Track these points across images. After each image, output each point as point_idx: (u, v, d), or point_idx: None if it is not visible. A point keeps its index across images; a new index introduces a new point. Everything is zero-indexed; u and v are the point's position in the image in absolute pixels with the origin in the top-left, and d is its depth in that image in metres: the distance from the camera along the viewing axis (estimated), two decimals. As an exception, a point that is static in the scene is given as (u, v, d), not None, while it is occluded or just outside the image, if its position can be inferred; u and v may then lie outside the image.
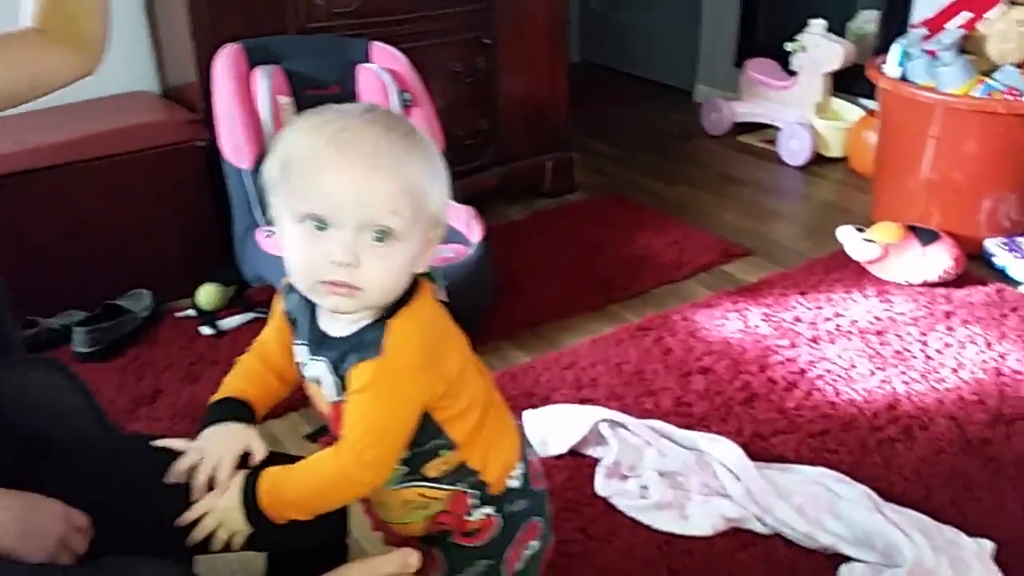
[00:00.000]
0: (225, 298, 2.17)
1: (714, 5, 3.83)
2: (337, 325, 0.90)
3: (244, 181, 2.08)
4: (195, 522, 0.91)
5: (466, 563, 1.02)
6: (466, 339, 0.97)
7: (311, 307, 0.92)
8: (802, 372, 1.95)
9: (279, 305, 0.98)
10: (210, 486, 0.92)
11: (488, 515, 1.00)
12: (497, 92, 2.70)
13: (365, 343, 0.87)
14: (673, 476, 1.63)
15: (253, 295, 2.22)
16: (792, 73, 3.25)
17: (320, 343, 0.91)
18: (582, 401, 1.84)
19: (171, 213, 2.23)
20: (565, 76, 2.86)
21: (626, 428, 1.72)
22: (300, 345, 0.94)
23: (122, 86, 2.39)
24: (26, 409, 1.03)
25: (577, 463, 1.68)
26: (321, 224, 0.83)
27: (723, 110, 3.49)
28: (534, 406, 1.82)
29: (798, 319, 2.16)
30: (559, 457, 1.69)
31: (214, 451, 0.93)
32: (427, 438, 0.93)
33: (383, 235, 0.83)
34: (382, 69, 2.19)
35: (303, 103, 2.10)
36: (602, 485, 1.61)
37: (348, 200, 0.82)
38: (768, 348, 2.05)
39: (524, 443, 1.06)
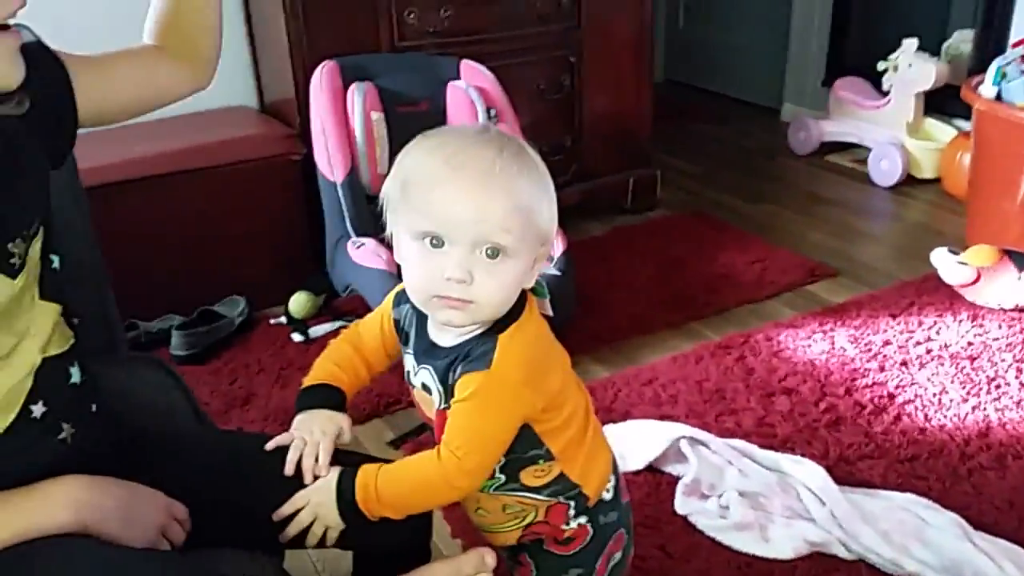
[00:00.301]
0: (315, 307, 2.25)
1: (803, 23, 3.78)
2: (446, 336, 0.93)
3: (336, 194, 2.15)
4: (291, 516, 0.95)
5: (558, 571, 1.04)
6: (567, 354, 0.99)
7: (421, 318, 0.96)
8: (891, 396, 1.91)
9: (387, 312, 1.02)
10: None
11: (582, 524, 1.02)
12: (581, 109, 2.72)
13: (474, 355, 0.90)
14: (755, 497, 1.61)
15: (342, 304, 2.29)
16: (883, 93, 3.19)
17: (428, 352, 0.94)
18: (661, 418, 1.83)
19: (267, 224, 2.32)
20: (649, 94, 2.87)
21: (706, 446, 1.71)
22: (408, 354, 0.98)
23: (223, 101, 2.49)
24: (132, 405, 1.09)
25: (656, 479, 1.68)
26: (437, 241, 0.86)
27: (811, 129, 3.44)
28: (613, 421, 1.82)
29: (887, 342, 2.12)
30: (637, 473, 1.69)
31: (313, 434, 0.97)
32: (526, 447, 0.95)
33: (495, 252, 0.86)
34: (470, 86, 2.24)
35: (394, 119, 2.17)
36: (681, 503, 1.61)
37: (462, 219, 0.85)
38: (855, 371, 2.01)
39: (614, 457, 1.07)
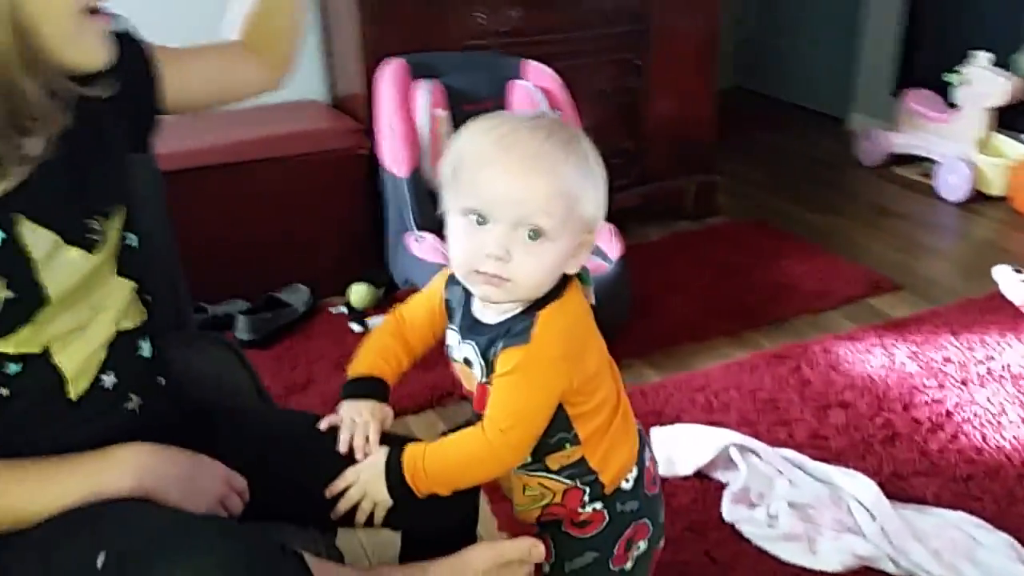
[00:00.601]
0: (375, 298, 2.29)
1: (874, 34, 3.72)
2: (489, 313, 0.97)
3: (400, 188, 2.19)
4: (341, 494, 0.98)
5: (575, 552, 1.06)
6: (603, 341, 1.01)
7: (468, 296, 0.99)
8: (948, 414, 1.88)
9: (439, 291, 1.05)
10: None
11: (597, 510, 1.04)
12: (644, 113, 2.72)
13: (514, 331, 0.93)
14: (804, 508, 1.60)
15: (400, 297, 2.33)
16: (953, 106, 3.12)
17: (472, 329, 0.98)
18: (712, 424, 1.83)
19: (332, 216, 2.37)
20: (714, 100, 2.86)
21: (757, 455, 1.70)
22: (452, 330, 1.01)
23: (294, 94, 2.56)
24: (198, 380, 1.14)
25: (704, 486, 1.68)
26: (481, 219, 0.89)
27: (879, 140, 3.38)
28: (662, 425, 1.82)
29: (948, 359, 2.08)
30: (685, 478, 1.69)
31: (362, 415, 1.01)
32: (555, 431, 0.98)
33: (535, 234, 0.89)
34: (534, 86, 2.26)
35: (458, 116, 2.20)
36: (729, 510, 1.60)
37: (505, 198, 0.88)
38: (914, 387, 1.98)
39: (643, 449, 1.09)
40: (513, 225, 0.89)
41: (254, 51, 1.11)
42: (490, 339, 0.95)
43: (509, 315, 0.95)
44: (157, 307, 1.01)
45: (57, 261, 0.86)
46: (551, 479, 1.02)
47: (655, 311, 2.32)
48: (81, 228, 0.88)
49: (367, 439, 0.99)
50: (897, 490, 1.65)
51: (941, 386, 1.98)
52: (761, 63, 4.40)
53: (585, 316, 0.97)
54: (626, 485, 1.05)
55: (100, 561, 0.77)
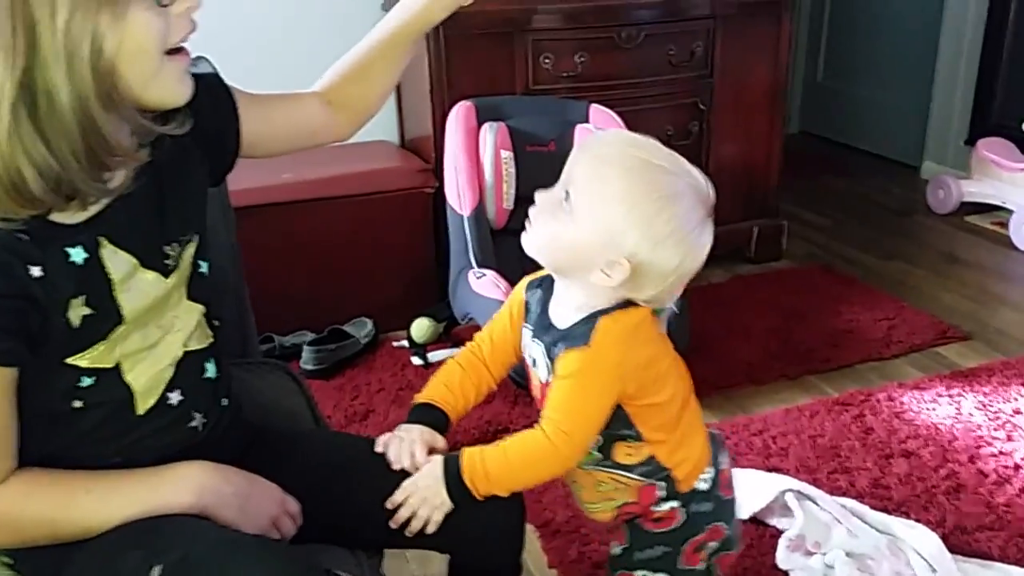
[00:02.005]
0: (436, 333, 2.34)
1: (947, 81, 3.67)
2: (562, 316, 1.02)
3: (463, 226, 2.24)
4: (398, 507, 1.00)
5: (646, 544, 1.10)
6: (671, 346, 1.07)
7: (546, 299, 1.05)
8: (1016, 467, 1.82)
9: (520, 295, 1.10)
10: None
11: (673, 508, 1.07)
12: (708, 156, 2.73)
13: (576, 334, 0.98)
14: (862, 559, 1.56)
15: (460, 332, 2.37)
16: (1030, 154, 3.06)
17: (545, 329, 1.03)
18: (770, 470, 1.81)
19: (397, 251, 2.44)
20: (780, 144, 2.85)
21: (814, 502, 1.67)
22: (527, 328, 1.07)
23: (368, 135, 2.62)
24: (258, 404, 1.18)
25: (760, 531, 1.66)
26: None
27: (951, 188, 3.32)
28: (720, 468, 1.81)
29: (1017, 411, 2.02)
30: (741, 523, 1.67)
31: (411, 433, 1.05)
32: (617, 427, 1.02)
33: (567, 202, 0.96)
34: (598, 129, 2.30)
35: (522, 158, 2.25)
36: (784, 558, 1.57)
37: (572, 163, 0.98)
38: (981, 438, 1.92)
39: (717, 450, 1.12)
40: (563, 185, 0.97)
41: (337, 106, 1.14)
42: (555, 340, 1.00)
43: (577, 319, 1.00)
44: (224, 333, 1.05)
45: (134, 283, 0.90)
46: (625, 476, 1.06)
47: (715, 353, 2.31)
48: (158, 254, 0.93)
49: (411, 453, 1.02)
50: (961, 544, 1.60)
51: (1009, 438, 1.92)
52: (830, 108, 4.37)
53: (648, 328, 1.02)
54: (702, 486, 1.08)
55: (156, 573, 0.80)
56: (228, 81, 1.07)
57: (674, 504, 1.07)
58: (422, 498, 1.00)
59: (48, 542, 0.87)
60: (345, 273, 2.40)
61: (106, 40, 0.77)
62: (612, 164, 0.96)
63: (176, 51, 0.85)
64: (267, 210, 2.24)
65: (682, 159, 1.00)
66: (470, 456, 1.00)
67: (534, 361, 1.04)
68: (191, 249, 0.98)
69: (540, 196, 1.00)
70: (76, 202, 0.83)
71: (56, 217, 0.84)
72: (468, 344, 1.14)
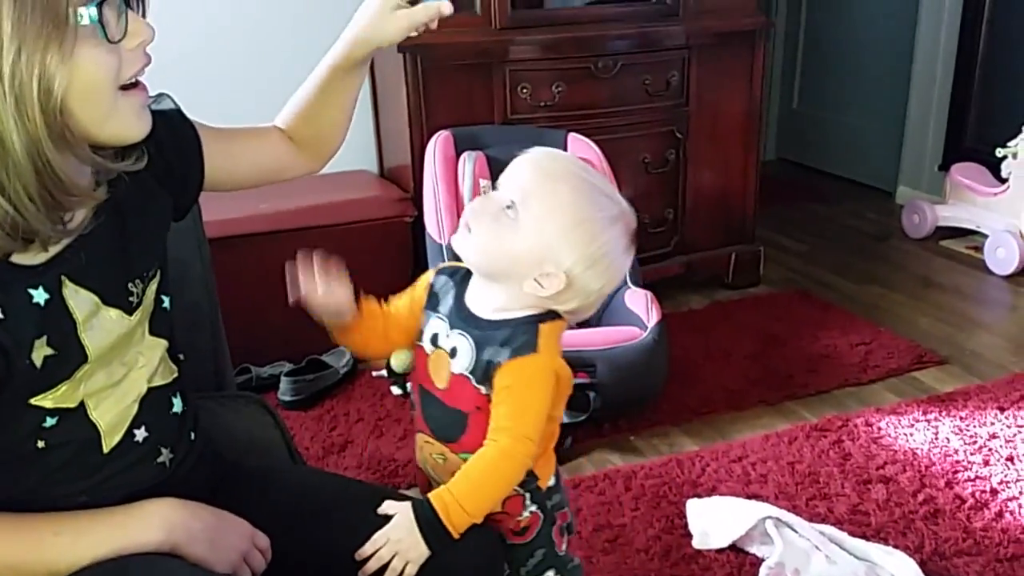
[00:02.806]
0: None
1: (920, 107, 3.73)
2: (483, 308, 1.04)
3: (442, 254, 2.24)
4: (370, 557, 0.98)
5: (525, 557, 1.11)
6: None
7: (461, 288, 1.06)
8: (994, 492, 1.83)
9: (426, 279, 1.11)
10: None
11: (533, 512, 1.09)
12: (685, 183, 2.76)
13: (518, 340, 1.00)
14: (841, 585, 1.56)
15: (439, 361, 2.36)
16: (1002, 180, 3.10)
17: (466, 320, 1.04)
18: (749, 496, 1.81)
19: (376, 280, 2.38)
20: (756, 171, 2.88)
21: (793, 529, 1.67)
22: (437, 318, 1.06)
23: (346, 164, 2.65)
24: (231, 437, 1.17)
25: (739, 559, 1.66)
26: (494, 188, 1.04)
27: (926, 213, 3.36)
28: (699, 495, 1.81)
29: (994, 435, 2.03)
30: (720, 551, 1.67)
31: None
32: None
33: (505, 211, 0.99)
34: (576, 158, 2.31)
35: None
36: (764, 585, 1.58)
37: (512, 172, 1.02)
38: (958, 463, 1.93)
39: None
40: (504, 194, 1.00)
41: (299, 144, 1.15)
42: (488, 336, 1.01)
43: (506, 316, 1.02)
44: (197, 366, 1.05)
45: (97, 321, 0.89)
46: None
47: (694, 379, 2.32)
48: (122, 291, 0.92)
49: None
50: (939, 569, 1.61)
51: (986, 463, 1.93)
52: (805, 135, 4.43)
53: (561, 339, 1.05)
54: (552, 481, 1.11)
55: None
56: (192, 117, 1.06)
57: (534, 508, 1.09)
58: (394, 550, 0.98)
59: None
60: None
61: (55, 80, 0.75)
62: (562, 180, 0.99)
63: (132, 86, 0.83)
64: (244, 240, 2.23)
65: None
66: (439, 497, 0.98)
67: (453, 351, 1.03)
68: (154, 285, 0.98)
69: (480, 202, 1.03)
70: (36, 244, 0.82)
71: (17, 259, 0.82)
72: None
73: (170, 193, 1.02)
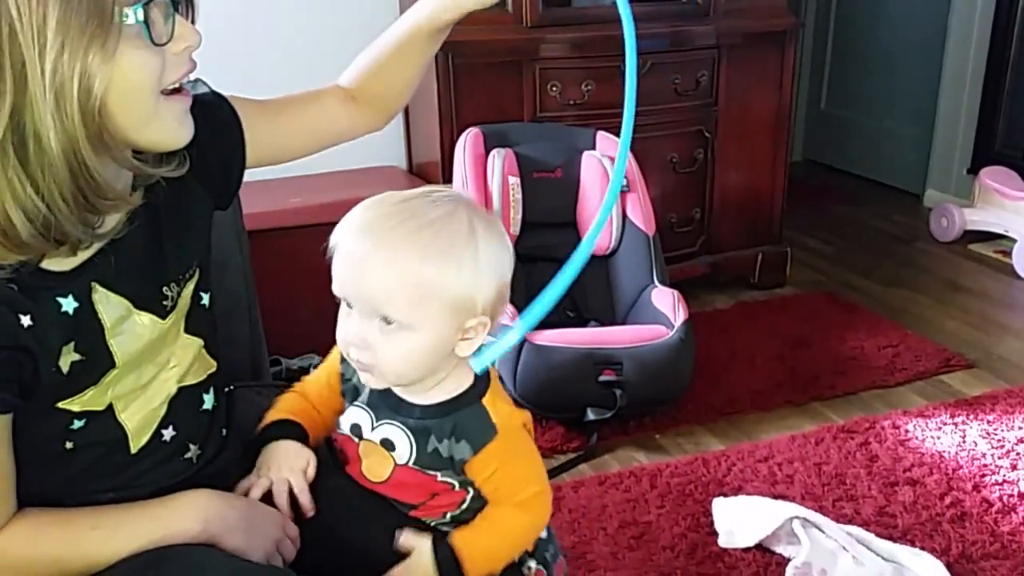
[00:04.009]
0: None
1: (950, 110, 3.70)
2: (414, 395, 0.95)
3: (470, 251, 2.26)
4: None
5: None
6: None
7: None
8: (1021, 496, 1.82)
9: (335, 366, 1.02)
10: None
11: (537, 569, 1.04)
12: (713, 184, 2.76)
13: (475, 432, 0.93)
14: (867, 586, 1.56)
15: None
16: (1033, 183, 3.08)
17: (395, 408, 0.95)
18: (775, 497, 1.81)
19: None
20: (784, 173, 2.88)
21: (820, 529, 1.67)
22: (359, 409, 0.97)
23: (375, 160, 2.68)
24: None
25: (765, 559, 1.66)
26: (347, 304, 0.90)
27: (954, 216, 3.34)
28: (724, 495, 1.81)
29: (1022, 440, 2.02)
30: (747, 550, 1.68)
31: (281, 472, 0.97)
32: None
33: (387, 321, 0.87)
34: (604, 156, 2.32)
35: (528, 184, 2.27)
36: (790, 585, 1.58)
37: (351, 288, 0.88)
38: (986, 467, 1.93)
39: None
40: (368, 313, 0.87)
41: (363, 102, 1.11)
42: (426, 426, 0.93)
43: (442, 398, 0.94)
44: (235, 355, 1.03)
45: (127, 326, 0.88)
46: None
47: (720, 379, 2.32)
48: (156, 295, 0.90)
49: (293, 494, 0.97)
50: (966, 572, 1.60)
51: (1014, 467, 1.92)
52: (833, 137, 4.40)
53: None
54: (544, 534, 1.06)
55: None
56: (237, 93, 1.02)
57: (533, 564, 1.04)
58: None
59: None
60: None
61: (96, 80, 0.73)
62: (392, 246, 0.85)
63: (175, 91, 0.82)
64: (275, 234, 2.25)
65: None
66: (463, 542, 0.94)
67: (386, 442, 0.95)
68: (191, 285, 0.96)
69: (357, 340, 0.89)
70: (66, 248, 0.80)
71: (47, 264, 0.81)
72: (291, 389, 1.07)
73: (211, 191, 1.00)
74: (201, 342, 0.97)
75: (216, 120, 0.99)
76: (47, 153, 0.73)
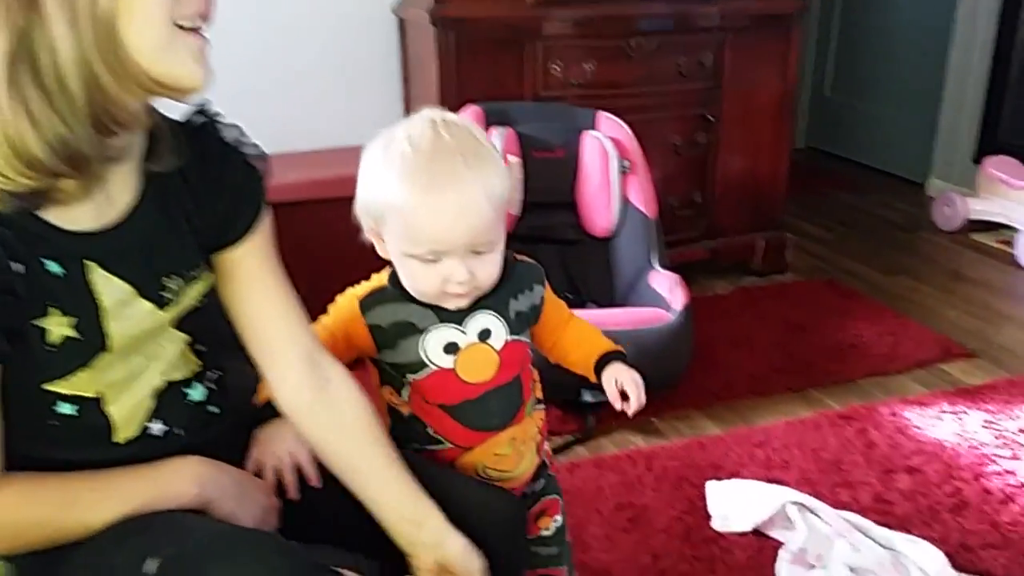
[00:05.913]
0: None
1: (954, 99, 3.67)
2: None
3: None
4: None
5: (559, 487, 1.21)
6: None
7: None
8: (1022, 486, 1.80)
9: (356, 321, 1.07)
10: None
11: (542, 409, 1.17)
12: (714, 167, 2.73)
13: (533, 277, 1.10)
14: (864, 573, 1.55)
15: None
16: (1037, 173, 3.05)
17: (479, 302, 1.03)
18: (771, 482, 1.79)
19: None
20: (786, 158, 2.85)
21: (817, 515, 1.66)
22: (439, 330, 1.03)
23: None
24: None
25: (760, 543, 1.65)
26: (433, 256, 0.97)
27: (957, 206, 3.31)
28: (719, 479, 1.80)
29: (1022, 429, 2.00)
30: (742, 534, 1.66)
31: (283, 458, 1.01)
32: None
33: (487, 247, 0.98)
34: (606, 137, 2.29)
35: (530, 163, 2.24)
36: (785, 571, 1.56)
37: (452, 239, 0.96)
38: (985, 456, 1.91)
39: None
40: (464, 252, 0.97)
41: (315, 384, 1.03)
42: (498, 299, 1.05)
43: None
44: (227, 329, 1.02)
45: (129, 311, 0.87)
46: (540, 408, 1.15)
47: (718, 363, 2.30)
48: (156, 286, 0.89)
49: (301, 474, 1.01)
50: (965, 562, 1.59)
51: (1015, 456, 1.91)
52: (836, 123, 4.37)
53: None
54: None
55: (153, 567, 0.78)
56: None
57: (541, 406, 1.16)
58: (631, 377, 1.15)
59: (47, 544, 0.84)
60: (347, 274, 2.37)
61: None
62: (471, 183, 0.95)
63: (191, 31, 0.81)
64: (275, 211, 2.23)
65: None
66: (598, 343, 1.19)
67: (484, 334, 1.04)
68: (202, 287, 0.94)
69: (463, 278, 0.98)
70: (78, 179, 0.79)
71: (50, 217, 0.81)
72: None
73: (216, 228, 0.96)
74: (186, 339, 0.95)
75: (248, 175, 0.99)
76: (61, 68, 0.74)
